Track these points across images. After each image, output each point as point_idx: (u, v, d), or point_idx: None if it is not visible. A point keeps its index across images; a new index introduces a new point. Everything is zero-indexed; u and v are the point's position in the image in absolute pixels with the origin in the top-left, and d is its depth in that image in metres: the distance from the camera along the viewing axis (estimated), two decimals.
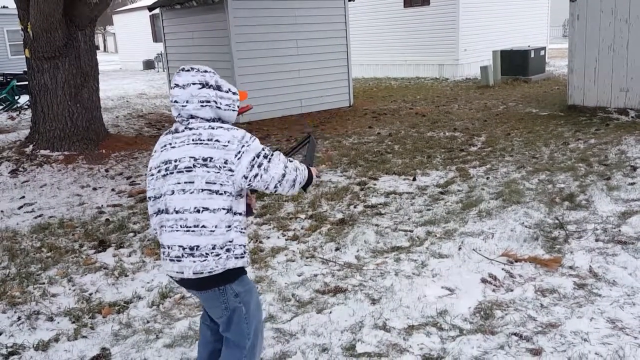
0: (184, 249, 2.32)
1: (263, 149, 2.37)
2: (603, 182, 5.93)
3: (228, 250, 2.34)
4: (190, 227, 2.30)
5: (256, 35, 11.02)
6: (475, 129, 9.36)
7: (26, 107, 13.34)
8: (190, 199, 2.30)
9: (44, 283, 4.30)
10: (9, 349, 3.40)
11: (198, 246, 2.30)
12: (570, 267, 4.06)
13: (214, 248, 2.31)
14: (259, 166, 2.32)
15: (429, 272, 4.11)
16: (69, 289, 4.21)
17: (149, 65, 27.99)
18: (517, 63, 15.17)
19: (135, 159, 8.41)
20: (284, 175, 2.37)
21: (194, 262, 2.31)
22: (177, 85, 2.39)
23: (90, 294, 4.11)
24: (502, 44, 16.99)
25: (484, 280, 3.93)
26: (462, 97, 13.30)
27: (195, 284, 2.41)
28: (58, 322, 3.71)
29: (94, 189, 7.00)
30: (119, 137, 9.77)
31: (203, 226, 2.29)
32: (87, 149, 8.67)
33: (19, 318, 3.77)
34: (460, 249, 4.46)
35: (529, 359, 3.02)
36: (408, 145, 8.42)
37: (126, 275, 4.40)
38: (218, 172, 2.30)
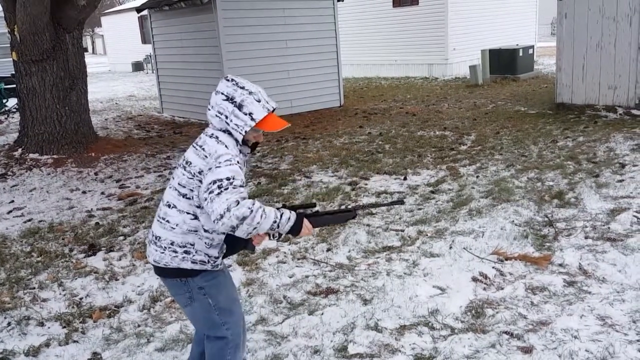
0: (153, 235, 2.48)
1: (227, 178, 2.23)
2: (592, 180, 5.97)
3: (187, 252, 2.41)
4: (160, 218, 2.46)
5: (245, 35, 11.00)
6: (465, 128, 9.40)
7: (14, 110, 13.23)
8: (168, 193, 2.46)
9: (34, 288, 4.28)
10: None
11: (160, 237, 2.44)
12: (560, 265, 4.09)
13: (172, 244, 2.41)
14: (210, 193, 2.22)
15: (420, 271, 4.13)
16: (60, 294, 4.18)
17: (138, 67, 27.85)
18: (505, 62, 15.24)
19: (125, 162, 8.37)
20: (221, 216, 2.17)
21: (156, 250, 2.45)
22: (215, 90, 2.45)
23: (81, 299, 4.09)
24: (490, 43, 17.06)
25: (474, 279, 3.95)
26: (452, 96, 13.34)
27: (157, 271, 2.53)
28: (49, 327, 3.69)
29: (84, 192, 6.96)
30: (108, 140, 9.72)
31: (167, 221, 2.42)
32: (76, 152, 8.61)
33: (9, 324, 3.75)
34: (451, 247, 4.48)
35: (520, 357, 3.03)
36: (399, 145, 8.44)
37: (116, 279, 4.38)
38: (191, 179, 2.36)
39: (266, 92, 2.47)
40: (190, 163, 2.37)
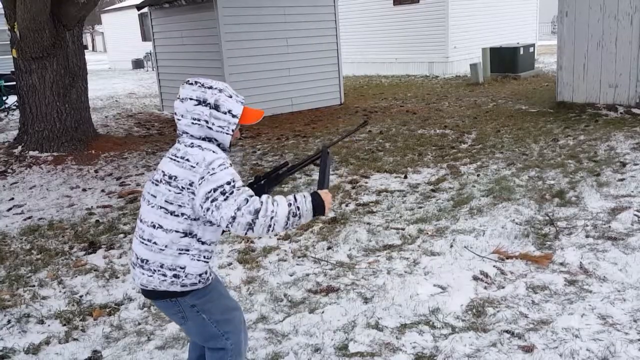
0: (137, 258, 2.32)
1: (227, 183, 2.15)
2: (593, 179, 5.97)
3: (176, 276, 2.26)
4: (144, 239, 2.29)
5: (246, 33, 10.99)
6: (465, 126, 9.39)
7: (14, 107, 13.21)
8: (150, 212, 2.28)
9: (34, 286, 4.27)
10: None
11: (147, 260, 2.28)
12: (561, 264, 4.09)
13: (161, 267, 2.26)
14: (213, 201, 2.12)
15: (421, 270, 4.12)
16: (60, 291, 4.18)
17: (138, 64, 27.82)
18: (506, 60, 15.22)
19: (125, 159, 8.37)
20: (234, 218, 2.10)
21: (143, 274, 2.30)
22: (178, 98, 2.31)
23: (81, 296, 4.08)
24: (491, 41, 17.04)
25: (475, 278, 3.95)
26: (452, 95, 13.33)
27: (146, 294, 2.41)
28: (49, 325, 3.69)
29: (84, 190, 6.95)
30: (108, 138, 9.71)
31: (154, 242, 2.26)
32: (76, 150, 8.60)
33: (9, 321, 3.74)
34: (451, 246, 4.47)
35: (521, 356, 3.03)
36: (399, 143, 8.43)
37: (117, 277, 4.38)
38: (179, 193, 2.21)
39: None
40: (176, 177, 2.21)
